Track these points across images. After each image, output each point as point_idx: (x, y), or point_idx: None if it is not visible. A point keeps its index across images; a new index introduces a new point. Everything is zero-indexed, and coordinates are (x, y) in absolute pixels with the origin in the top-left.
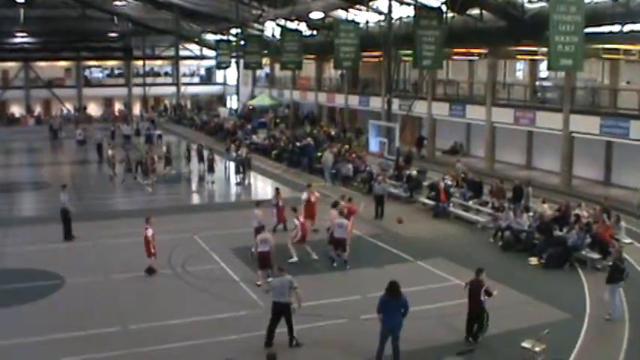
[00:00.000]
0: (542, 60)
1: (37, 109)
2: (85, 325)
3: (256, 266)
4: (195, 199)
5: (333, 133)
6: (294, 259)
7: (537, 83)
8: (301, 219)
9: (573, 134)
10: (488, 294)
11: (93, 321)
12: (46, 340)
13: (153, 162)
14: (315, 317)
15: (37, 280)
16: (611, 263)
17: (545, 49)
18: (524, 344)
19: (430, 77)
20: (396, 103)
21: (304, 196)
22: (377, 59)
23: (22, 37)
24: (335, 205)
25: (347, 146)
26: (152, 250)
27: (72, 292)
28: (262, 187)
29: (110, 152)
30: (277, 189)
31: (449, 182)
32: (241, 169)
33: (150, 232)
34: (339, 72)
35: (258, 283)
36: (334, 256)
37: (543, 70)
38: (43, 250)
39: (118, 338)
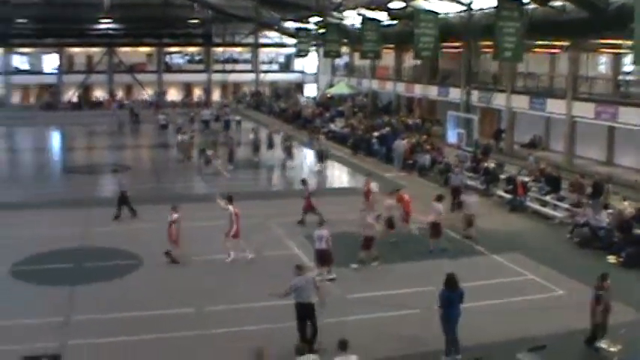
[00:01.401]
0: (626, 54)
1: (120, 93)
2: (161, 305)
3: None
4: (272, 185)
5: (410, 123)
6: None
7: (620, 77)
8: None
9: None
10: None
11: (169, 301)
12: (123, 317)
13: (233, 148)
14: (388, 307)
15: (117, 259)
16: None
17: (629, 43)
18: (600, 344)
19: (510, 69)
20: (475, 94)
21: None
22: (457, 50)
23: (107, 23)
24: (439, 198)
25: (424, 137)
26: (174, 238)
27: (149, 272)
28: (338, 176)
29: (180, 137)
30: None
31: (526, 177)
32: (320, 158)
33: (175, 216)
34: (416, 62)
35: (319, 277)
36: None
37: (627, 64)
38: (123, 231)
39: (193, 319)
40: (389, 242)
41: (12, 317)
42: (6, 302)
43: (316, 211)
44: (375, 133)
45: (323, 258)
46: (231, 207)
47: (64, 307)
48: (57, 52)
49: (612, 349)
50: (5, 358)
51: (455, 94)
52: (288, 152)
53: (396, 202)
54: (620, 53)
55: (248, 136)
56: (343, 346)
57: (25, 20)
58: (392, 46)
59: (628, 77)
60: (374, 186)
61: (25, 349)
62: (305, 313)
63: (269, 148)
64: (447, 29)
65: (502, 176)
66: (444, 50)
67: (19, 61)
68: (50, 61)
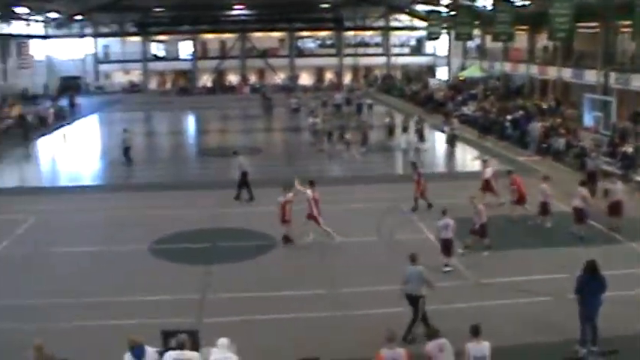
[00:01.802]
0: None
1: (252, 78)
2: (294, 286)
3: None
4: (403, 168)
5: (545, 106)
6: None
7: None
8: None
9: None
10: None
11: (303, 282)
12: (257, 297)
13: (366, 132)
14: (520, 293)
15: (251, 240)
16: None
17: None
18: None
19: None
20: (612, 76)
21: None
22: (593, 30)
23: (240, 9)
24: (584, 183)
25: (559, 120)
26: (286, 218)
27: (282, 252)
28: (466, 160)
29: (311, 120)
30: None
31: None
32: (452, 141)
33: (289, 196)
34: (549, 43)
35: (447, 269)
36: (575, 231)
37: None
38: (255, 212)
39: (327, 300)
40: (544, 227)
41: (151, 293)
42: (145, 279)
43: (425, 197)
44: (508, 117)
45: (449, 248)
46: (309, 191)
47: (199, 285)
48: (191, 39)
49: None
50: (145, 332)
51: (590, 76)
52: (420, 135)
53: (509, 184)
54: None
55: (380, 120)
56: (475, 332)
57: (161, 9)
58: (525, 27)
59: None
60: (489, 171)
61: (164, 323)
62: (411, 304)
63: (403, 132)
64: (583, 9)
65: None
66: (579, 31)
67: (156, 49)
68: (185, 48)
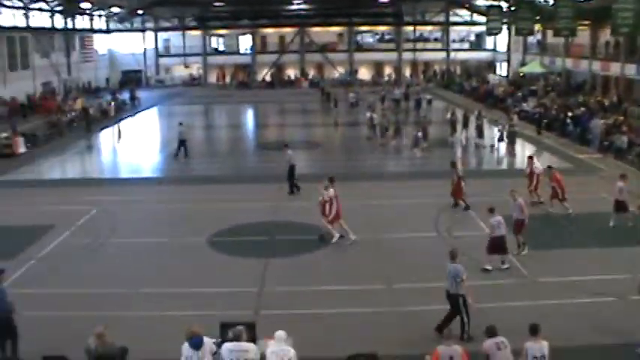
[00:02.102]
0: None
1: (311, 72)
2: (351, 280)
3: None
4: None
5: (607, 103)
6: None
7: None
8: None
9: None
10: None
11: (359, 277)
12: (314, 291)
13: (426, 127)
14: (581, 293)
15: (309, 234)
16: None
17: None
18: None
19: None
20: None
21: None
22: None
23: (298, 4)
24: (623, 176)
25: (621, 117)
26: (327, 213)
27: (339, 247)
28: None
29: (368, 114)
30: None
31: None
32: (511, 138)
33: (331, 192)
34: (612, 39)
35: (504, 266)
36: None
37: None
38: (312, 207)
39: (383, 296)
40: (627, 226)
41: (209, 285)
42: (204, 271)
43: (462, 198)
44: (570, 113)
45: (503, 246)
46: (331, 189)
47: (257, 277)
48: (251, 34)
49: None
50: (203, 323)
51: None
52: (480, 131)
53: (550, 180)
54: None
55: (440, 115)
56: (534, 331)
57: (221, 3)
58: (587, 22)
59: None
60: (538, 166)
61: (222, 315)
62: (449, 301)
63: (463, 128)
64: None
65: None
66: None
67: (216, 43)
68: (245, 42)
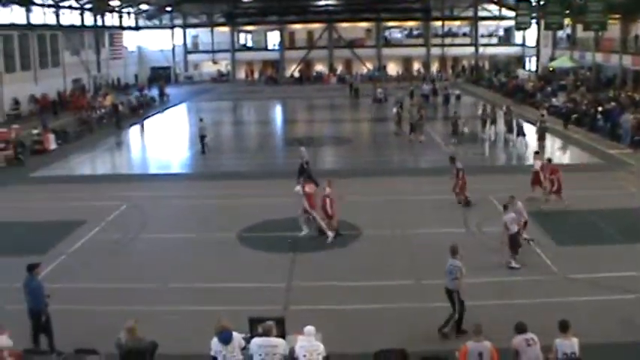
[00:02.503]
0: None
1: (339, 68)
2: (380, 276)
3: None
4: (493, 160)
5: (638, 98)
6: None
7: None
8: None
9: None
10: None
11: (388, 272)
12: (342, 286)
13: (456, 122)
14: (601, 289)
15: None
16: None
17: None
18: None
19: None
20: None
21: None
22: None
23: (326, 0)
24: None
25: None
26: (329, 212)
27: (368, 243)
28: (560, 153)
29: (395, 110)
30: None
31: None
32: (541, 134)
33: (327, 191)
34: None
35: (514, 265)
36: None
37: None
38: (343, 202)
39: (411, 292)
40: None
41: (238, 280)
42: (233, 266)
43: (464, 194)
44: (600, 108)
45: (517, 243)
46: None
47: (286, 273)
48: (279, 30)
49: None
50: (232, 318)
51: None
52: (509, 127)
53: (549, 174)
54: None
55: (468, 111)
56: (564, 327)
57: (249, 0)
58: (617, 16)
59: None
60: (538, 163)
61: (251, 310)
62: (447, 296)
63: (492, 124)
64: None
65: None
66: None
67: (244, 39)
68: (273, 38)
